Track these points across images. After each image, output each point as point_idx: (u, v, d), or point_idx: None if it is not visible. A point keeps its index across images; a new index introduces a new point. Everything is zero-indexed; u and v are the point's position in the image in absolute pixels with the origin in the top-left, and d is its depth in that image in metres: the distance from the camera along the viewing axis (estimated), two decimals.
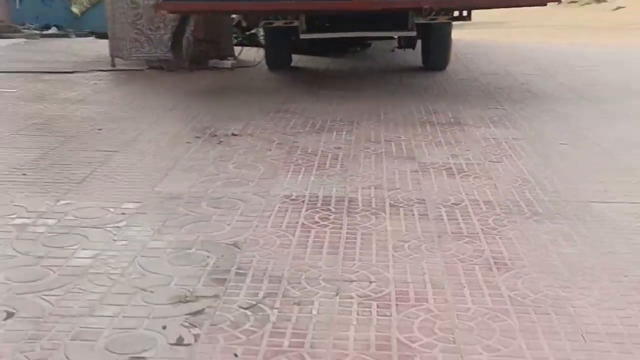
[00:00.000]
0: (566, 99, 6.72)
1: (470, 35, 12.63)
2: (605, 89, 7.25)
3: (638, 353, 2.28)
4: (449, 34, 8.23)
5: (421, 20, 6.87)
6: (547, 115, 5.96)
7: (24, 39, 11.66)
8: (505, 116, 5.87)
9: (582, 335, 2.35)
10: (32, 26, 12.85)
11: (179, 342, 2.29)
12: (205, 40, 8.70)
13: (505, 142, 4.95)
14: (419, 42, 8.56)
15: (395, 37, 8.47)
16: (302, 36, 6.98)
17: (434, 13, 6.67)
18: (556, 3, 7.04)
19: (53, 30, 12.74)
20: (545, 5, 6.94)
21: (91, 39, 11.87)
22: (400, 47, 8.81)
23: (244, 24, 10.10)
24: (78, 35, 12.30)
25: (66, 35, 12.36)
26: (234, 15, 9.57)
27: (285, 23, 6.89)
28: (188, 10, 7.25)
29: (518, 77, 8.16)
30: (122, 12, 8.27)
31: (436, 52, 8.33)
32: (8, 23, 12.28)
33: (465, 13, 7.32)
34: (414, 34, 6.97)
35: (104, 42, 9.38)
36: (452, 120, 5.71)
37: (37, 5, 13.27)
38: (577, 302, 2.58)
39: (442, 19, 6.86)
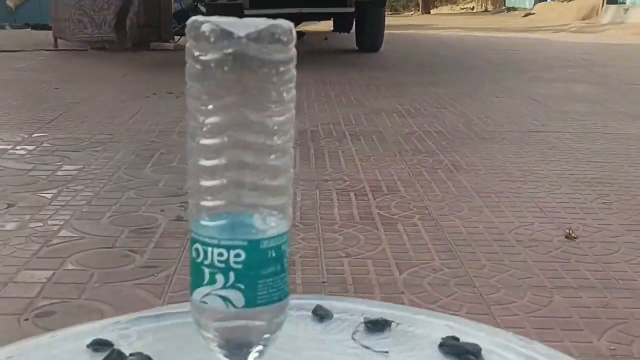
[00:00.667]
0: (495, 69, 7.19)
1: (399, 30, 13.13)
2: (526, 63, 7.77)
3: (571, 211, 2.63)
4: (384, 16, 8.60)
5: None
6: (479, 79, 6.40)
7: None
8: (442, 81, 6.26)
9: (540, 209, 2.67)
10: None
11: (179, 219, 2.49)
12: (147, 26, 8.82)
13: (447, 96, 5.31)
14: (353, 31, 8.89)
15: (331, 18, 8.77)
16: (247, 12, 7.19)
17: None
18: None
19: None
20: None
21: (28, 30, 11.77)
22: (336, 30, 9.12)
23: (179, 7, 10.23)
24: (14, 28, 12.16)
25: (2, 28, 12.20)
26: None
27: (229, 0, 7.09)
28: None
29: (447, 56, 8.62)
30: None
31: (371, 34, 8.66)
32: None
33: None
34: (352, 10, 7.29)
35: (42, 33, 9.39)
36: (393, 82, 6.06)
37: None
38: (532, 191, 2.91)
39: None
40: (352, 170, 3.18)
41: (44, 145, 3.52)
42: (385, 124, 4.25)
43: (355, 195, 2.82)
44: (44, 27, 11.49)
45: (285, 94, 0.65)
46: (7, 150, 3.40)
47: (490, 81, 6.31)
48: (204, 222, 0.70)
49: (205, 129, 0.63)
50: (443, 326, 0.90)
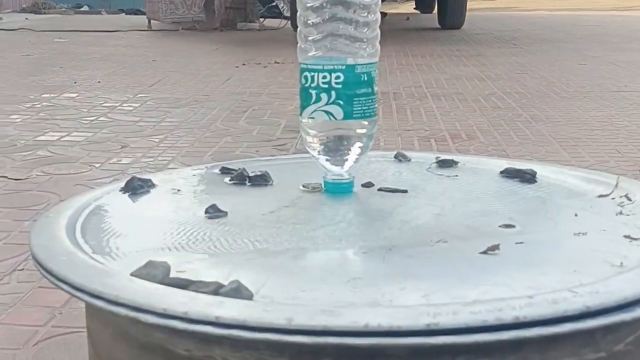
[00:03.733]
0: (578, 41, 7.15)
1: (481, 12, 13.05)
2: (611, 36, 7.67)
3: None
4: None
5: None
6: (562, 49, 6.41)
7: (59, 15, 12.16)
8: (523, 52, 6.29)
9: (617, 151, 2.77)
10: (65, 5, 13.36)
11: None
12: (232, 7, 9.15)
13: (528, 64, 5.37)
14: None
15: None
16: None
17: None
18: None
19: (85, 8, 13.25)
20: None
21: (122, 15, 12.37)
22: (417, 9, 9.22)
23: None
24: (108, 13, 12.80)
25: (98, 13, 12.86)
26: None
27: None
28: None
29: (529, 31, 8.58)
30: None
31: (453, 10, 8.71)
32: (42, 0, 12.78)
33: None
34: None
35: (136, 17, 9.85)
36: (474, 53, 6.14)
37: None
38: (610, 137, 3.01)
39: None
40: (432, 122, 3.33)
41: (147, 102, 3.83)
42: (466, 86, 4.37)
43: (435, 140, 2.98)
44: (137, 12, 12.03)
45: None
46: (115, 106, 3.71)
47: (572, 51, 6.32)
48: (311, 54, 0.90)
49: None
50: (504, 163, 1.08)
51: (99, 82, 4.55)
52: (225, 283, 0.63)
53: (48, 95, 4.06)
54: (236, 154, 2.75)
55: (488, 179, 1.02)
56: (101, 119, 3.44)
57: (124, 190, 0.93)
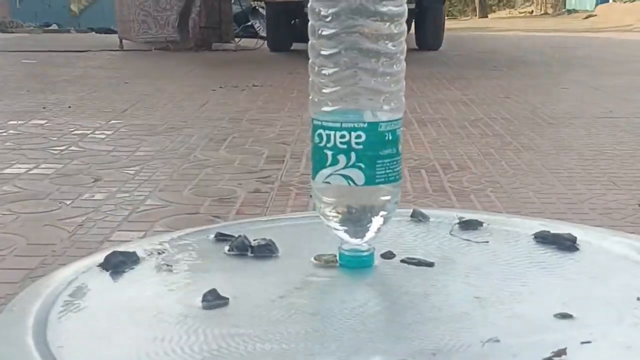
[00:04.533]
0: (558, 64, 7.15)
1: (457, 32, 13.07)
2: (590, 59, 7.68)
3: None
4: (444, 13, 8.61)
5: None
6: (543, 72, 6.38)
7: (27, 34, 11.95)
8: (504, 74, 6.24)
9: (612, 182, 2.68)
10: (33, 24, 13.14)
11: (257, 191, 2.57)
12: (207, 27, 9.03)
13: (510, 88, 5.30)
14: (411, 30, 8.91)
15: None
16: (306, 11, 7.29)
17: None
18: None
19: (54, 27, 13.04)
20: None
21: (92, 34, 12.18)
22: None
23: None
24: (78, 32, 12.60)
25: (67, 31, 12.67)
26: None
27: None
28: None
29: (508, 53, 8.57)
30: None
31: (431, 32, 8.67)
32: (10, 19, 12.56)
33: None
34: (412, 6, 7.32)
35: (106, 36, 9.69)
36: (455, 75, 6.07)
37: (37, 3, 13.57)
38: (604, 167, 2.92)
39: None
40: (421, 151, 3.22)
41: (121, 130, 3.67)
42: (450, 111, 4.28)
43: (425, 171, 2.86)
44: (108, 31, 11.86)
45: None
46: (87, 134, 3.55)
47: (554, 74, 6.28)
48: (326, 108, 0.78)
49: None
50: (536, 224, 0.95)
51: (69, 107, 4.38)
52: None
53: (15, 122, 3.88)
54: (218, 187, 2.61)
55: (522, 247, 0.89)
56: (72, 148, 3.27)
57: (104, 267, 0.79)
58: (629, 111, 4.27)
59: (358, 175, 0.76)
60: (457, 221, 0.98)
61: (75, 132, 3.62)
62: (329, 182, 0.76)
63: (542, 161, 3.03)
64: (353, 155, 0.75)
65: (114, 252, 0.80)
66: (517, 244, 0.91)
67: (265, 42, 8.98)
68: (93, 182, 2.68)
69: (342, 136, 0.76)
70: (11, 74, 6.06)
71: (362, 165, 0.76)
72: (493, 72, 6.41)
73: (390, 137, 0.77)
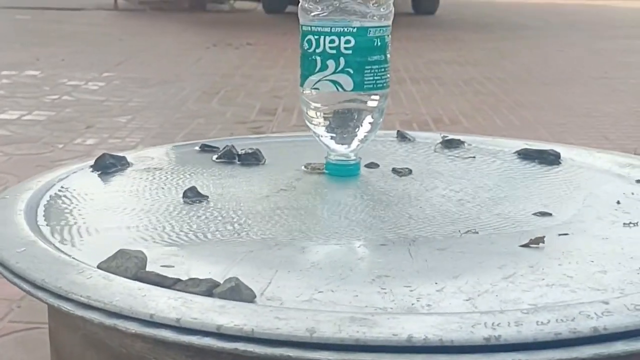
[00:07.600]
0: (556, 28, 7.11)
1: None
2: (588, 24, 7.64)
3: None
4: None
5: None
6: (539, 36, 6.34)
7: None
8: (501, 37, 6.22)
9: (605, 137, 2.70)
10: None
11: None
12: None
13: (506, 50, 5.29)
14: None
15: None
16: None
17: None
18: None
19: None
20: None
21: None
22: None
23: None
24: None
25: None
26: None
27: None
28: None
29: (505, 18, 8.53)
30: None
31: None
32: None
33: None
34: None
35: None
36: (451, 37, 6.05)
37: None
38: (597, 124, 2.94)
39: None
40: (413, 106, 3.22)
41: (114, 82, 3.66)
42: (444, 71, 4.27)
43: (417, 124, 2.88)
44: None
45: None
46: (80, 85, 3.54)
47: (550, 37, 6.26)
48: (315, 13, 0.78)
49: None
50: (519, 143, 0.97)
51: (63, 60, 4.35)
52: (221, 281, 0.51)
53: (8, 72, 3.86)
54: (210, 135, 2.61)
55: (506, 162, 0.91)
56: (65, 97, 3.27)
57: (94, 168, 0.80)
58: (624, 73, 4.28)
59: (347, 81, 0.77)
60: (441, 140, 1.00)
61: (69, 82, 3.61)
62: (317, 89, 0.77)
63: (534, 117, 3.04)
64: (342, 60, 0.76)
65: (104, 155, 0.81)
66: (501, 159, 0.93)
67: (261, 4, 8.90)
68: (85, 128, 2.69)
69: (332, 41, 0.76)
70: (5, 29, 6.02)
71: (351, 71, 0.76)
72: (489, 35, 6.38)
73: (379, 43, 0.77)
